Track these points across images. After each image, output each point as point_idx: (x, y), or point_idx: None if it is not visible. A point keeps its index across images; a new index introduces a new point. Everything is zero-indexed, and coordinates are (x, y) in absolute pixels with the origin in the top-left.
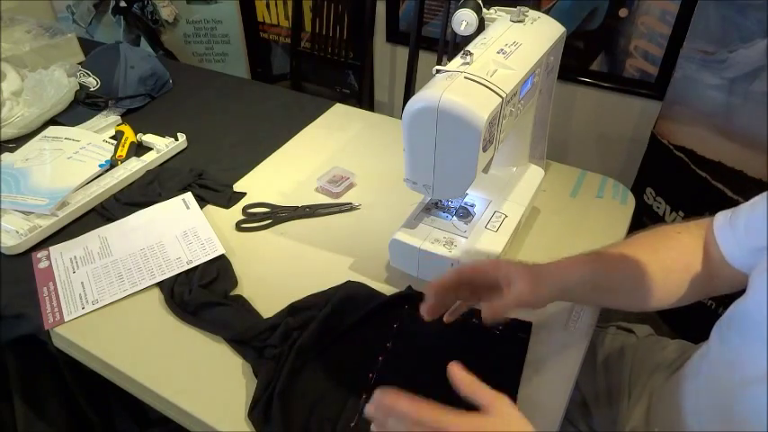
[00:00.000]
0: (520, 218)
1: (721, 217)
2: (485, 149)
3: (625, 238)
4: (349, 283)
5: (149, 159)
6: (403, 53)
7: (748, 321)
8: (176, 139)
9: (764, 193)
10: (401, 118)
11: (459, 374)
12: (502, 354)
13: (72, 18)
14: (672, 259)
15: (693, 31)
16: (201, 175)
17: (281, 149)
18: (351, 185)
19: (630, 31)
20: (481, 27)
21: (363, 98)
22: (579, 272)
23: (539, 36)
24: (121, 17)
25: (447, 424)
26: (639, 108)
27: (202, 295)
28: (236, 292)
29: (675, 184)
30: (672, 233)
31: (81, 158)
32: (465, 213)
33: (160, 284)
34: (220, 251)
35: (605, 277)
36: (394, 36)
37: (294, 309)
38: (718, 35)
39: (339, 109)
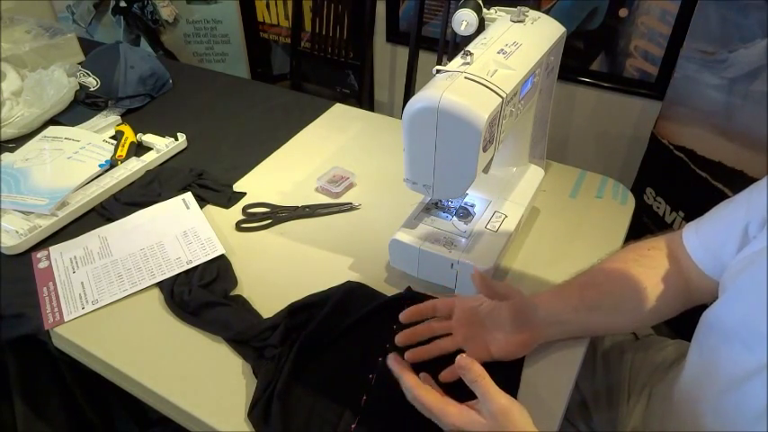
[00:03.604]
0: (520, 218)
1: (689, 230)
2: (485, 149)
3: (624, 238)
4: (349, 283)
5: (149, 159)
6: (403, 53)
7: (722, 326)
8: (176, 139)
9: (720, 205)
10: (401, 118)
11: (472, 367)
12: None
13: (72, 18)
14: (646, 276)
15: (693, 31)
16: (201, 175)
17: (281, 149)
18: (351, 185)
19: (630, 31)
20: (481, 27)
21: (363, 98)
22: (564, 301)
23: (539, 36)
24: (121, 17)
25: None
26: (639, 108)
27: (202, 295)
28: (236, 292)
29: (675, 184)
30: (642, 250)
31: (81, 158)
32: (465, 213)
33: (160, 284)
34: (220, 251)
35: (584, 300)
36: (394, 36)
37: (294, 309)
38: (718, 35)
39: (339, 109)
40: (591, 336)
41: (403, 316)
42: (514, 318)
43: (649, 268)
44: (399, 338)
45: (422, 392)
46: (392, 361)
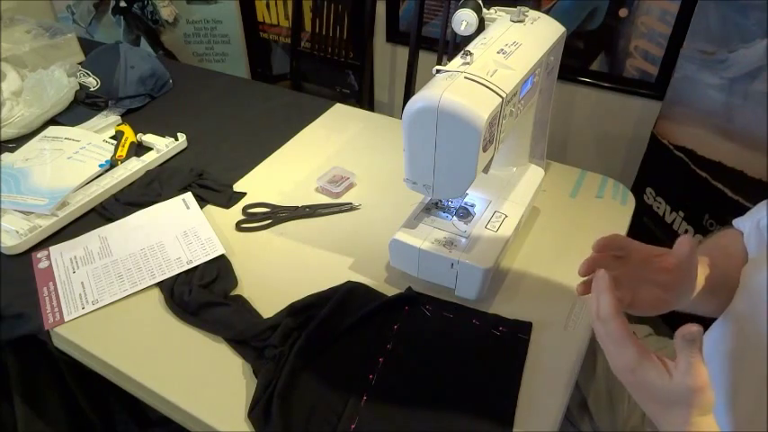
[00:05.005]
0: (520, 218)
1: (745, 224)
2: (485, 149)
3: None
4: (349, 283)
5: (149, 159)
6: (403, 53)
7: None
8: (176, 139)
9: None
10: (401, 118)
11: (698, 339)
12: (502, 354)
13: (72, 18)
14: (741, 260)
15: (693, 31)
16: (201, 175)
17: (281, 149)
18: (351, 185)
19: (630, 31)
20: (481, 27)
21: (363, 98)
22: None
23: (539, 36)
24: (121, 17)
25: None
26: (639, 108)
27: (202, 295)
28: (236, 292)
29: (675, 184)
30: (735, 236)
31: (81, 158)
32: (465, 213)
33: (160, 284)
34: (220, 251)
35: (708, 282)
36: (394, 36)
37: (294, 309)
38: (718, 35)
39: (339, 109)
40: (697, 314)
41: (599, 243)
42: (673, 280)
43: (740, 254)
44: (582, 269)
45: (617, 320)
46: (602, 273)
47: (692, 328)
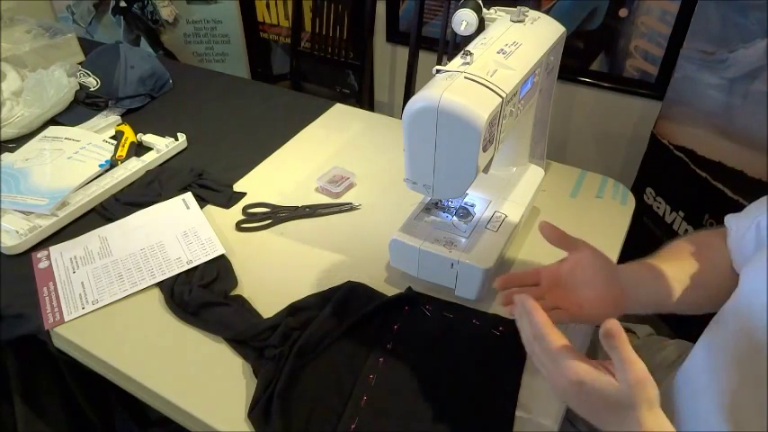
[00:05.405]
0: (520, 218)
1: (731, 215)
2: (485, 149)
3: (624, 238)
4: (349, 283)
5: (149, 159)
6: (403, 53)
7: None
8: (176, 139)
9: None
10: (401, 118)
11: (620, 334)
12: (502, 354)
13: (72, 18)
14: (721, 257)
15: (693, 31)
16: (201, 175)
17: (281, 149)
18: (351, 185)
19: (630, 31)
20: (481, 27)
21: (363, 98)
22: (647, 269)
23: (539, 36)
24: (121, 17)
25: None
26: (639, 108)
27: (202, 295)
28: (236, 292)
29: (675, 184)
30: (712, 237)
31: (81, 158)
32: (465, 213)
33: (160, 284)
34: (220, 251)
35: (668, 270)
36: (394, 36)
37: (294, 309)
38: (718, 35)
39: (339, 109)
40: (667, 311)
41: (499, 281)
42: (600, 274)
43: (720, 251)
44: (504, 302)
45: (552, 334)
46: (524, 297)
47: (607, 324)
